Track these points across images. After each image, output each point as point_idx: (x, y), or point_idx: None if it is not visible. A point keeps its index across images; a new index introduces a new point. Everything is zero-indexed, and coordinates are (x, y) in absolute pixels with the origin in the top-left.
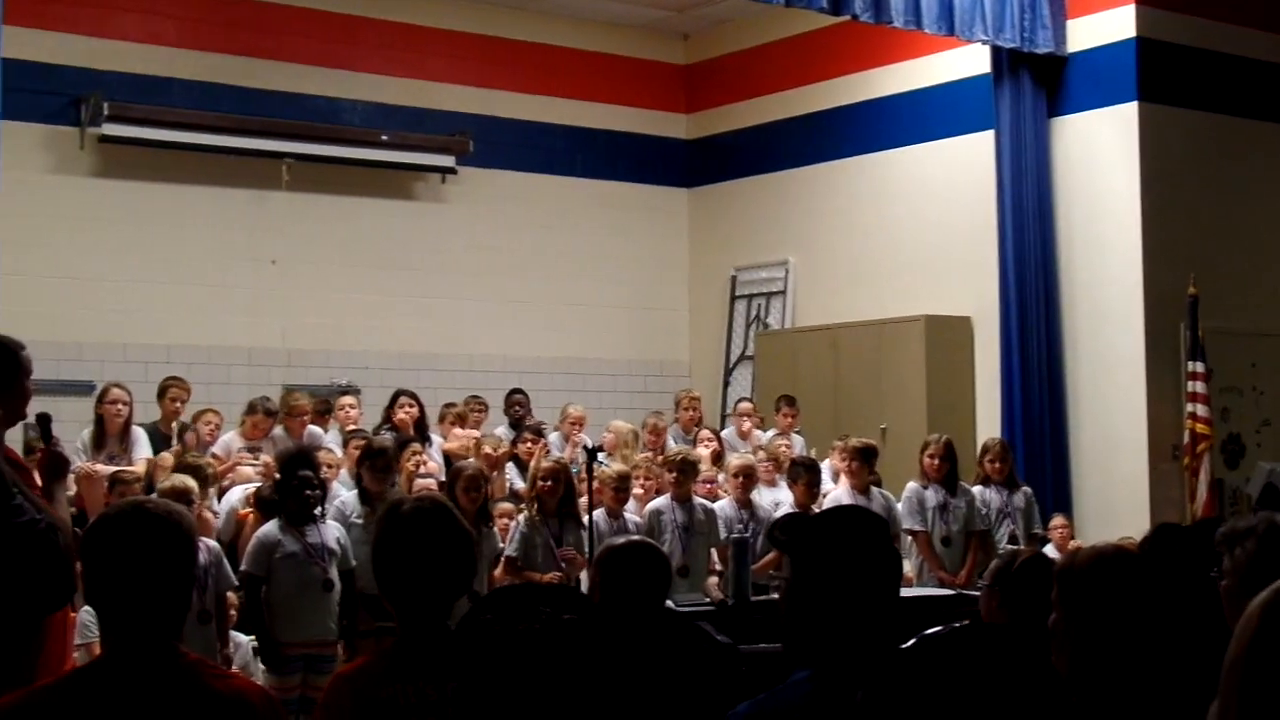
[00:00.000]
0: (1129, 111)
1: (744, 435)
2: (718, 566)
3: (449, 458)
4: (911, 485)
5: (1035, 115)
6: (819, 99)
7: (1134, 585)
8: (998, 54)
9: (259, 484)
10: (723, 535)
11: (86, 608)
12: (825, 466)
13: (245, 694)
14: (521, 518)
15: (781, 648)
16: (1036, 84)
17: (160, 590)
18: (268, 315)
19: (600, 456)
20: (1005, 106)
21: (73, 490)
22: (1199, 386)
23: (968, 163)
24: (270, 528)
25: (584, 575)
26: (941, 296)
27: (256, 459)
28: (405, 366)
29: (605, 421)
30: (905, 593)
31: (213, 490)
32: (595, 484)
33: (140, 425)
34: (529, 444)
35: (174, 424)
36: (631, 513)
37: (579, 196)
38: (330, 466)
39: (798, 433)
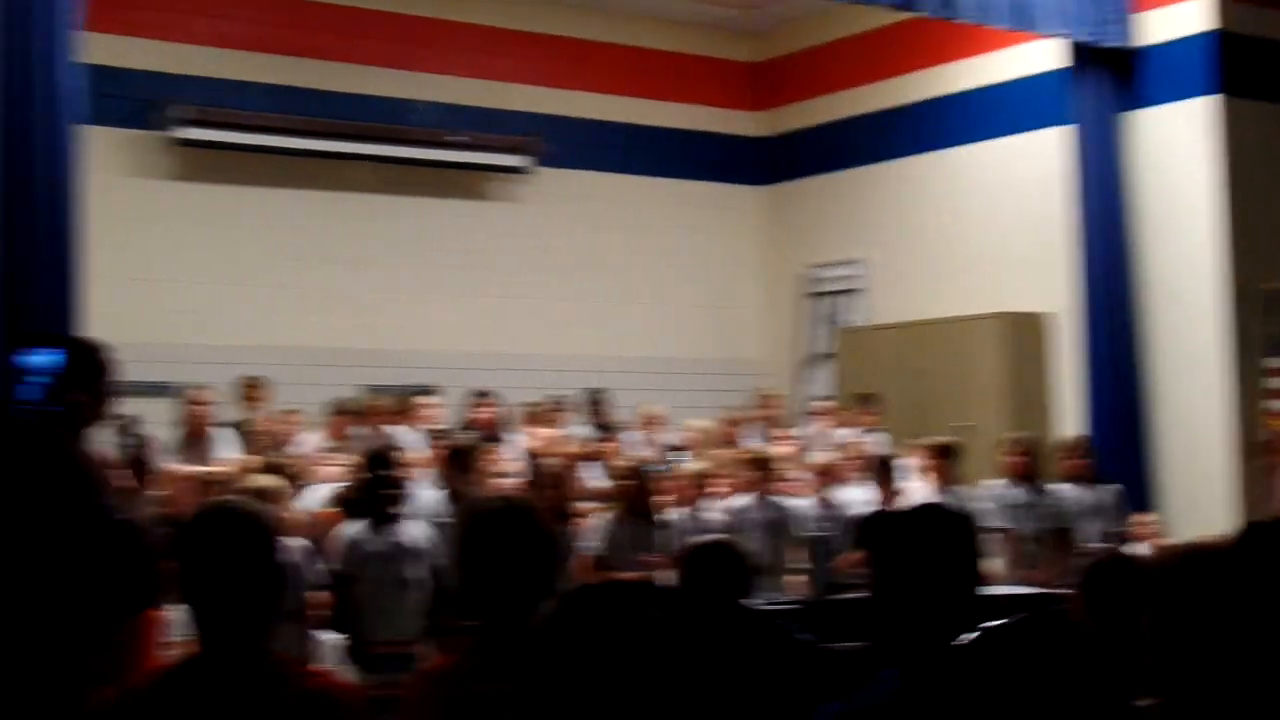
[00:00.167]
0: (1204, 105)
1: (823, 434)
2: (799, 565)
3: (528, 457)
4: (995, 483)
5: (1111, 109)
6: (891, 95)
7: (1225, 584)
8: (1072, 48)
9: (341, 484)
10: (803, 533)
11: (177, 606)
12: (905, 464)
13: (333, 692)
14: (602, 517)
15: (865, 646)
16: (1111, 78)
17: (249, 590)
18: (347, 316)
19: (679, 455)
20: (1079, 101)
21: (159, 491)
22: (1279, 383)
23: (1042, 158)
24: (356, 527)
25: (665, 575)
26: (1020, 293)
27: (338, 459)
28: (482, 366)
29: (681, 420)
30: (988, 591)
31: (295, 490)
32: (675, 482)
33: (223, 426)
34: (608, 443)
35: (251, 422)
36: (712, 511)
37: (651, 195)
38: (412, 466)
39: (878, 430)
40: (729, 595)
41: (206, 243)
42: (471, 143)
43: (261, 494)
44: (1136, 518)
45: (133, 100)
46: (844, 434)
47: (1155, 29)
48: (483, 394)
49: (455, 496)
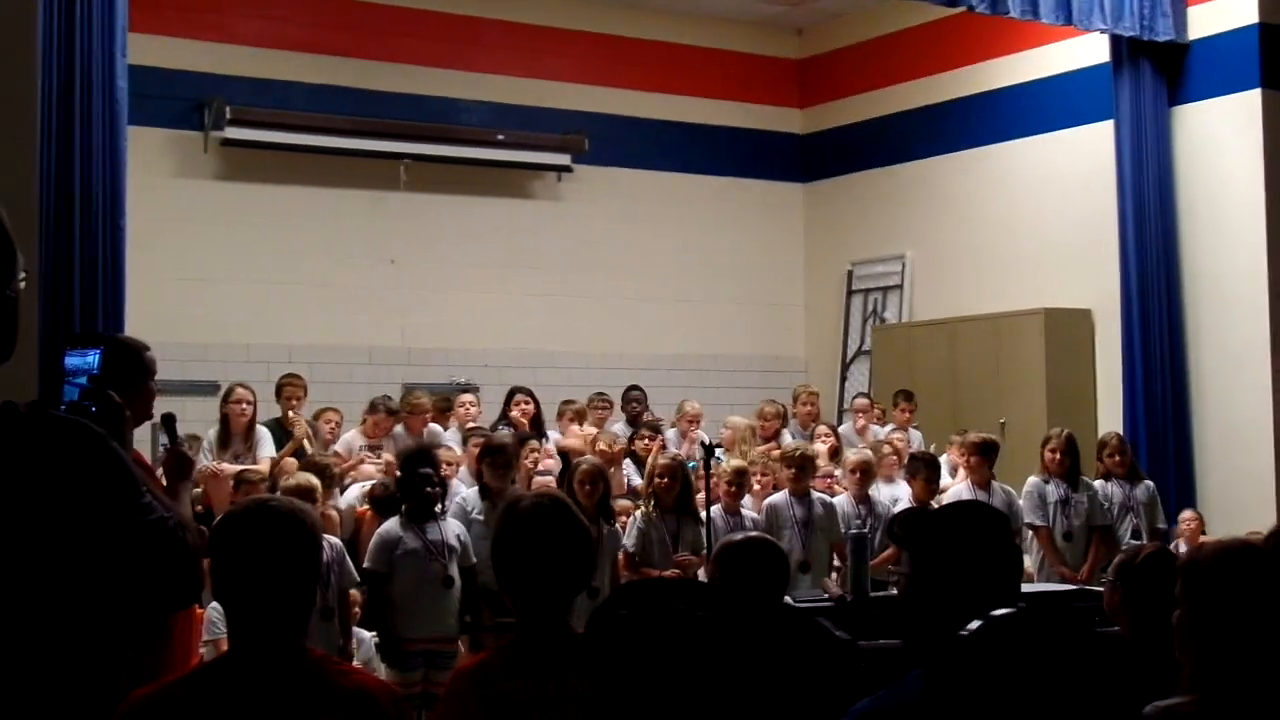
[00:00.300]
0: (1252, 99)
1: (861, 431)
2: (837, 563)
3: (566, 454)
4: (1033, 480)
5: (1155, 104)
6: (934, 91)
7: (1261, 581)
8: (1116, 43)
9: (375, 481)
10: (841, 531)
11: (214, 604)
12: (943, 461)
13: (368, 689)
14: (639, 514)
15: (901, 644)
16: (1156, 72)
17: (286, 587)
18: (387, 315)
19: (718, 452)
20: (1125, 96)
21: (199, 490)
22: None
23: (1086, 154)
24: (391, 525)
25: (701, 572)
26: (1061, 289)
27: (378, 457)
28: (523, 364)
29: (722, 418)
30: (1026, 589)
31: (333, 489)
32: (712, 480)
33: (263, 424)
34: (646, 441)
35: (290, 420)
36: (749, 509)
37: (694, 193)
38: (450, 464)
39: (915, 427)
40: (766, 593)
41: (249, 242)
42: (515, 141)
43: (299, 492)
44: (1182, 515)
45: (177, 100)
46: (882, 431)
47: (1200, 23)
48: (521, 392)
49: (490, 494)
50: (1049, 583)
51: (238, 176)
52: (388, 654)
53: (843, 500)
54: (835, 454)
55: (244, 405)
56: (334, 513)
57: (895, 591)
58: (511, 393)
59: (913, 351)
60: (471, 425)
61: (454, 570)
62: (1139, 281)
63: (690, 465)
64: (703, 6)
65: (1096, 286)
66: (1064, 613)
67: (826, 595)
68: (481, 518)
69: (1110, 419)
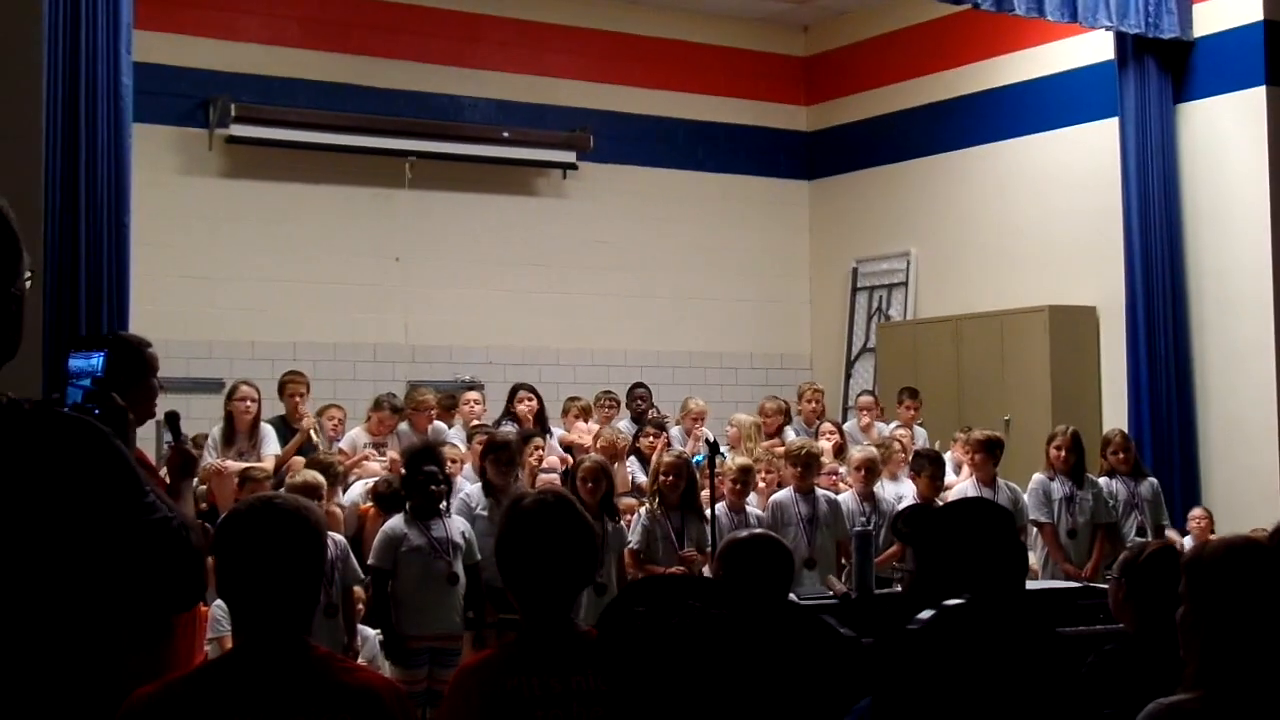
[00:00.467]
0: (1257, 96)
1: (865, 428)
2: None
3: (570, 451)
4: (1038, 477)
5: (1161, 101)
6: (940, 89)
7: (1265, 577)
8: (1122, 40)
9: (379, 478)
10: (846, 528)
11: (218, 602)
12: (948, 458)
13: (373, 687)
14: (643, 511)
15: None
16: (1162, 70)
17: (290, 584)
18: (392, 312)
19: (722, 450)
20: (1130, 93)
21: (203, 487)
22: None
23: (1091, 151)
24: (396, 522)
25: (706, 570)
26: (1065, 286)
27: (382, 455)
28: (528, 361)
29: (727, 415)
30: (1030, 585)
31: (338, 486)
32: (717, 478)
33: (267, 421)
34: (651, 438)
35: (300, 411)
36: (754, 506)
37: (699, 190)
38: (454, 461)
39: (920, 425)
40: (771, 591)
41: (254, 240)
42: (520, 138)
43: (305, 489)
44: (1191, 513)
45: (182, 98)
46: (887, 428)
47: (1205, 20)
48: (524, 388)
49: (493, 491)
50: (1053, 580)
51: (243, 174)
52: (392, 651)
53: (847, 497)
54: (840, 451)
55: (248, 403)
56: (338, 510)
57: (900, 589)
58: (514, 389)
59: (917, 349)
60: (476, 423)
61: (458, 567)
62: (1144, 279)
63: (696, 460)
64: (708, 4)
65: (1101, 284)
66: (1017, 606)
67: (831, 592)
68: (485, 514)
69: (1115, 416)
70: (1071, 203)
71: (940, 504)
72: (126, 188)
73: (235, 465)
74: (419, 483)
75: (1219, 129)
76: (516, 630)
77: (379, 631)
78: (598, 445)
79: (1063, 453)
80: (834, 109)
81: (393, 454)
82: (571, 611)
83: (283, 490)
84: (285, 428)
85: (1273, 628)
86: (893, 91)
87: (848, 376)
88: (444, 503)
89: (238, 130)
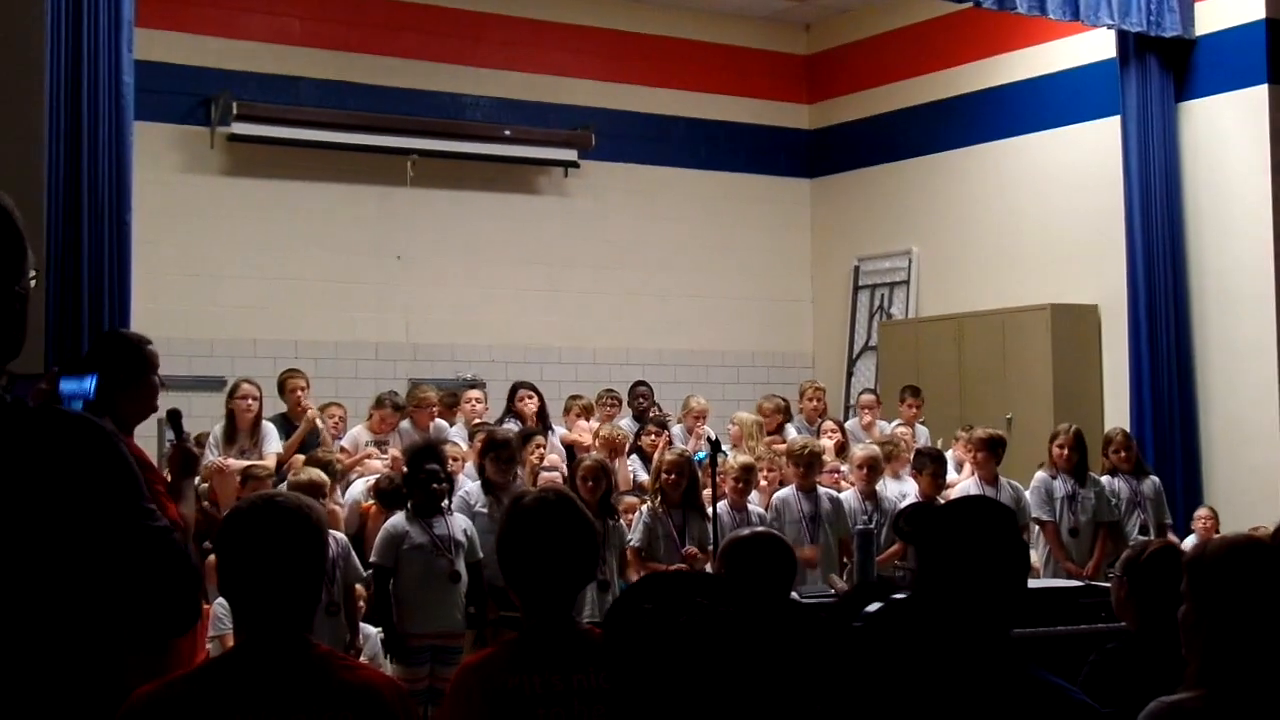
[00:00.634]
0: (1259, 94)
1: (867, 427)
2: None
3: (570, 449)
4: (1040, 475)
5: (1162, 100)
6: (941, 87)
7: (1267, 576)
8: (1124, 38)
9: (379, 476)
10: (847, 527)
11: (220, 600)
12: (949, 457)
13: (374, 685)
14: (645, 509)
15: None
16: (1163, 68)
17: (292, 583)
18: (394, 310)
19: (724, 448)
20: (1132, 92)
21: (205, 485)
22: None
23: (1093, 149)
24: (398, 520)
25: (708, 568)
26: (1067, 285)
27: (384, 453)
28: (530, 360)
29: (729, 413)
30: (1032, 584)
31: (339, 484)
32: (719, 476)
33: (269, 419)
34: (652, 436)
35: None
36: (755, 504)
37: (701, 188)
38: (456, 459)
39: (922, 423)
40: (772, 589)
41: (256, 238)
42: (522, 136)
43: (308, 488)
44: (1197, 512)
45: (184, 96)
46: (888, 427)
47: (1207, 19)
48: (525, 386)
49: (493, 489)
50: (1055, 578)
51: (244, 172)
52: (393, 649)
53: (849, 496)
54: (842, 450)
55: (250, 401)
56: (338, 508)
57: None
58: (515, 388)
59: (919, 347)
60: (477, 421)
61: (460, 565)
62: (1145, 277)
63: (698, 458)
64: (710, 2)
65: (1103, 282)
66: (1018, 606)
67: (833, 591)
68: (485, 511)
69: (1116, 415)
70: (1073, 201)
71: (942, 502)
72: (128, 186)
73: (237, 463)
74: (421, 480)
75: (1221, 127)
76: (517, 628)
77: (380, 630)
78: (597, 442)
79: (1065, 451)
80: (836, 107)
81: (394, 452)
82: (574, 609)
83: (284, 488)
84: (287, 425)
85: (1275, 627)
86: (894, 90)
87: (849, 375)
88: (446, 500)
89: (239, 128)
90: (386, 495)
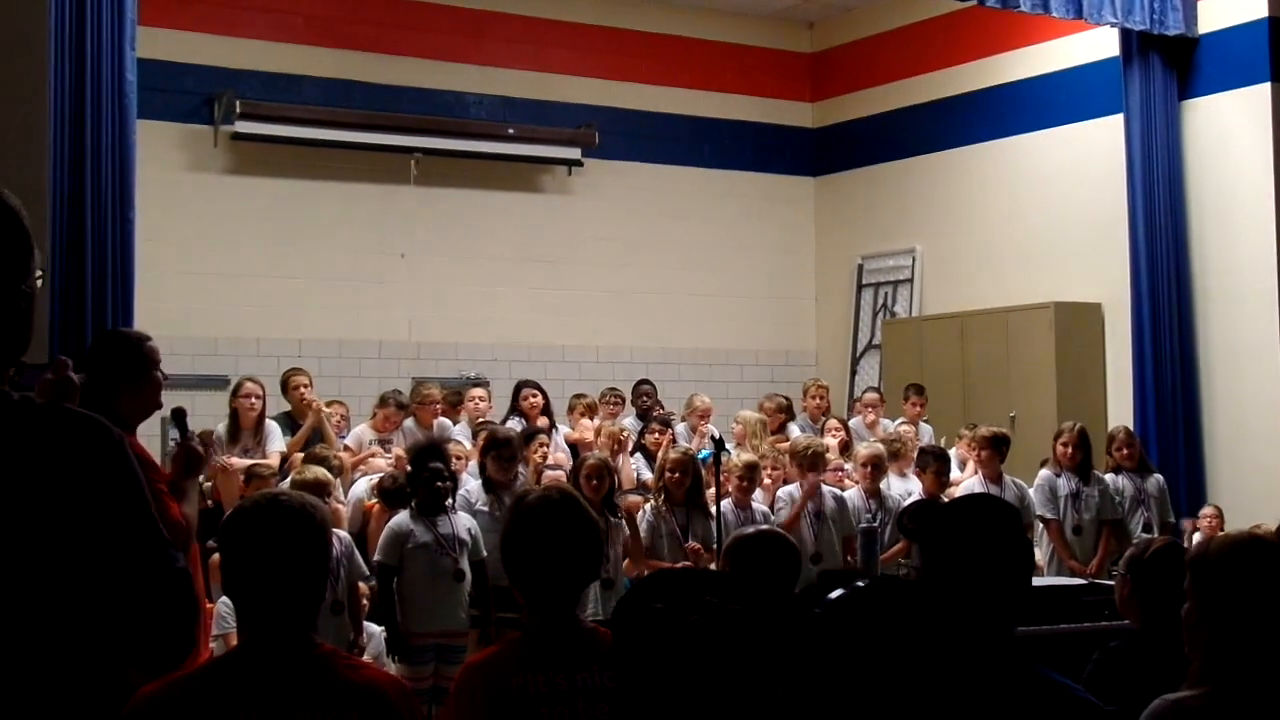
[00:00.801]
0: (1262, 93)
1: (870, 425)
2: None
3: (574, 448)
4: (1044, 473)
5: (1165, 98)
6: (945, 85)
7: (1270, 574)
8: (1127, 36)
9: (382, 475)
10: (851, 525)
11: (223, 599)
12: (953, 455)
13: (378, 684)
14: (648, 508)
15: None
16: (1166, 66)
17: (296, 581)
18: (397, 308)
19: (728, 447)
20: (1135, 90)
21: (208, 484)
22: None
23: (1096, 148)
24: (402, 518)
25: (712, 567)
26: (1071, 283)
27: (387, 451)
28: (533, 358)
29: (732, 412)
30: (1036, 582)
31: (339, 481)
32: (723, 475)
33: (272, 418)
34: (656, 435)
35: (297, 413)
36: (759, 502)
37: (705, 187)
38: (459, 458)
39: (925, 421)
40: (777, 587)
41: (259, 236)
42: (526, 135)
43: (312, 486)
44: (1202, 511)
45: (187, 94)
46: (892, 425)
47: (1210, 17)
48: (529, 385)
49: (494, 487)
50: (1059, 576)
51: (247, 171)
52: (397, 648)
53: (853, 494)
54: (846, 448)
55: (253, 399)
56: (340, 507)
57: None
58: (519, 386)
59: (923, 345)
60: (481, 420)
61: (465, 564)
62: (1149, 275)
63: (701, 456)
64: (714, 0)
65: (1106, 280)
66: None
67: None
68: (486, 509)
69: (1120, 413)
70: (1076, 199)
71: (947, 500)
72: (131, 184)
73: (240, 462)
74: (424, 479)
75: (1224, 126)
76: (517, 629)
77: (384, 628)
78: (599, 440)
79: (1069, 449)
80: (840, 105)
81: (398, 450)
82: (578, 606)
83: (288, 486)
84: (291, 424)
85: (1278, 624)
86: (898, 88)
87: (853, 373)
88: (450, 499)
89: (243, 127)
90: (389, 494)
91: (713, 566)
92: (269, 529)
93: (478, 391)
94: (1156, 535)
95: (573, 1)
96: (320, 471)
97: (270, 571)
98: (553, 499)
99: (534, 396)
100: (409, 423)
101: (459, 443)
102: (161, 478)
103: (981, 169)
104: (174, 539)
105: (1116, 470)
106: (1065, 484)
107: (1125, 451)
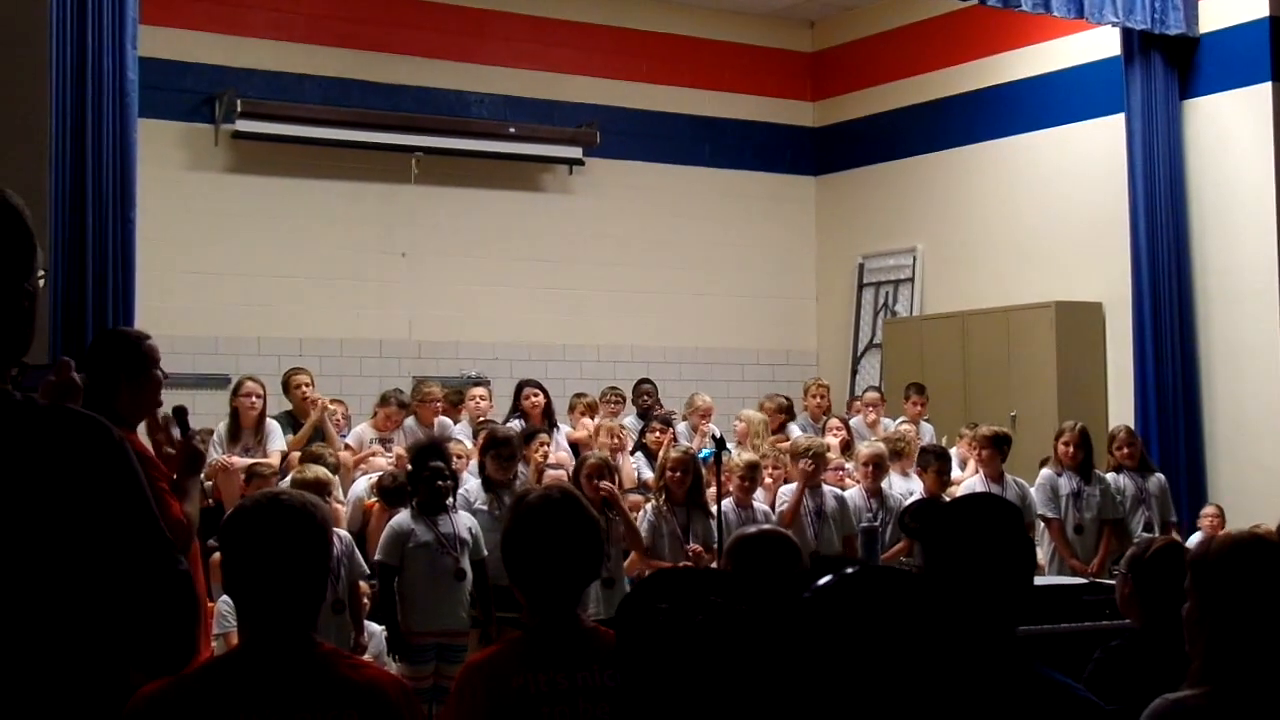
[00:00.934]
0: (1263, 92)
1: (871, 424)
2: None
3: (575, 447)
4: (1046, 472)
5: (1167, 98)
6: (946, 85)
7: (1271, 573)
8: (1128, 36)
9: (383, 474)
10: (852, 524)
11: (224, 598)
12: (953, 454)
13: (379, 683)
14: (649, 507)
15: None
16: (1168, 66)
17: (296, 581)
18: (398, 307)
19: (728, 446)
20: (1136, 89)
21: (209, 483)
22: None
23: (1097, 147)
24: (403, 518)
25: (713, 566)
26: (1072, 282)
27: (388, 450)
28: (534, 357)
29: (733, 411)
30: (1037, 581)
31: (337, 479)
32: (725, 474)
33: (273, 417)
34: (657, 434)
35: (298, 413)
36: (760, 502)
37: (706, 186)
38: (460, 457)
39: (926, 421)
40: (780, 586)
41: (260, 235)
42: (527, 134)
43: (313, 485)
44: (1204, 510)
45: (188, 93)
46: (892, 424)
47: (1211, 17)
48: (530, 384)
49: (493, 486)
50: (1060, 575)
51: (248, 169)
52: (397, 647)
53: (854, 493)
54: (847, 447)
55: (254, 399)
56: (340, 506)
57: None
58: (520, 386)
59: (924, 345)
60: (482, 419)
61: (465, 563)
62: (1149, 275)
63: (702, 455)
64: (715, 0)
65: (1107, 280)
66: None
67: None
68: (485, 509)
69: (1121, 412)
70: (1077, 199)
71: (948, 499)
72: (132, 183)
73: (241, 461)
74: (425, 478)
75: (1225, 125)
76: (518, 628)
77: (385, 628)
78: (599, 440)
79: (1071, 448)
80: (840, 105)
81: (399, 449)
82: (580, 606)
83: (288, 485)
84: (293, 423)
85: (1278, 624)
86: (899, 87)
87: (854, 372)
88: (451, 498)
89: (244, 126)
90: (389, 493)
91: (714, 566)
92: (270, 528)
93: (479, 391)
94: (1155, 534)
95: (574, 1)
96: (321, 471)
97: (271, 571)
98: (553, 498)
99: (535, 396)
100: (410, 421)
101: (460, 442)
102: (163, 476)
103: (982, 168)
104: (175, 538)
105: (1118, 469)
106: (1066, 483)
107: (1126, 451)
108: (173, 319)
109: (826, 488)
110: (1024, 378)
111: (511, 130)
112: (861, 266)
